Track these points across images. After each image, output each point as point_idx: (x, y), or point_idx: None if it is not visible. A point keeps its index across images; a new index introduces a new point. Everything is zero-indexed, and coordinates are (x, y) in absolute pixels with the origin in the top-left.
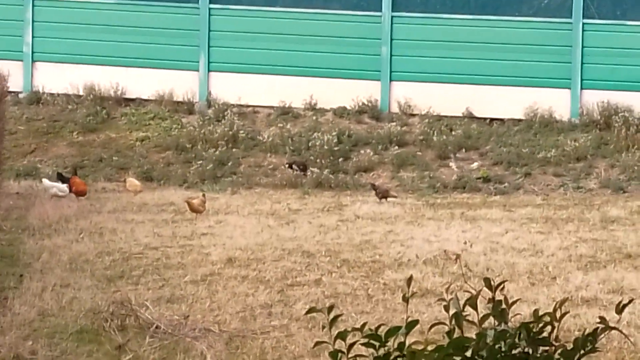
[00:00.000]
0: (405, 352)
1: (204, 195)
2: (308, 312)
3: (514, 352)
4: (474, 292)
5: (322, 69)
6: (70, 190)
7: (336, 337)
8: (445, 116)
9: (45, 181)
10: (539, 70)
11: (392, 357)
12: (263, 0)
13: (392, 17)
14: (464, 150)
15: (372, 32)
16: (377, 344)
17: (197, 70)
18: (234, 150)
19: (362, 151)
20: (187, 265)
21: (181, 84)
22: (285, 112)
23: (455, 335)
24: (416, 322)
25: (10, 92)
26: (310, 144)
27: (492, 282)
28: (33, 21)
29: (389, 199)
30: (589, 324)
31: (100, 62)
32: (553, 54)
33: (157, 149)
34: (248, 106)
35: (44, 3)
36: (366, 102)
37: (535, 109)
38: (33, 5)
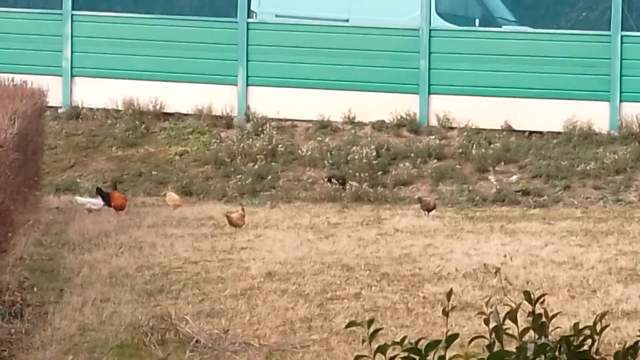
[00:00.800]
0: None
1: (243, 209)
2: (348, 325)
3: None
4: (513, 305)
5: (360, 83)
6: (110, 205)
7: (376, 351)
8: (484, 129)
9: (78, 198)
10: (577, 83)
11: None
12: (302, 13)
13: (430, 30)
14: (503, 163)
15: (411, 45)
16: (417, 357)
17: (236, 85)
18: (272, 164)
19: (400, 165)
20: (227, 279)
21: (220, 98)
22: (324, 126)
23: (495, 349)
24: (456, 335)
25: (50, 107)
26: (349, 158)
27: (532, 296)
28: (72, 36)
29: (430, 213)
30: (629, 337)
31: (139, 76)
32: (592, 66)
33: (196, 163)
34: (287, 120)
35: (83, 18)
36: (405, 116)
37: (574, 122)
38: (72, 21)
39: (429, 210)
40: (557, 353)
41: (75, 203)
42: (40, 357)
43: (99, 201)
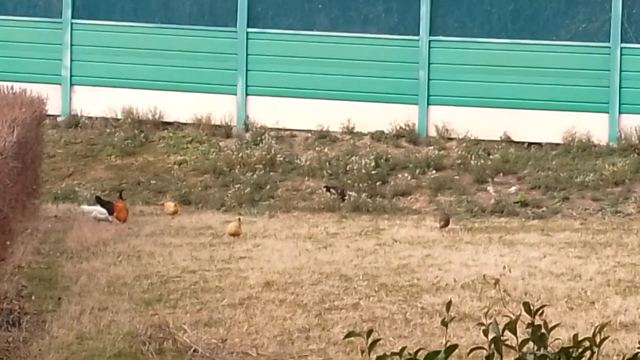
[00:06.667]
0: None
1: (239, 219)
2: (347, 335)
3: None
4: (512, 316)
5: (359, 93)
6: (111, 214)
7: None
8: (483, 140)
9: (85, 207)
10: (577, 95)
11: None
12: (301, 24)
13: (429, 41)
14: (501, 174)
15: (410, 56)
16: None
17: (235, 94)
18: (271, 173)
19: (399, 175)
20: (225, 288)
21: (219, 108)
22: (323, 136)
23: None
24: (455, 346)
25: (49, 115)
26: (347, 168)
27: (531, 307)
28: (71, 45)
29: (446, 228)
30: (628, 349)
31: (139, 85)
32: (591, 78)
33: (194, 173)
34: (286, 130)
35: (83, 27)
36: (404, 126)
37: (573, 133)
38: (72, 29)
39: (444, 226)
40: None
41: (81, 212)
42: None
43: (104, 209)
